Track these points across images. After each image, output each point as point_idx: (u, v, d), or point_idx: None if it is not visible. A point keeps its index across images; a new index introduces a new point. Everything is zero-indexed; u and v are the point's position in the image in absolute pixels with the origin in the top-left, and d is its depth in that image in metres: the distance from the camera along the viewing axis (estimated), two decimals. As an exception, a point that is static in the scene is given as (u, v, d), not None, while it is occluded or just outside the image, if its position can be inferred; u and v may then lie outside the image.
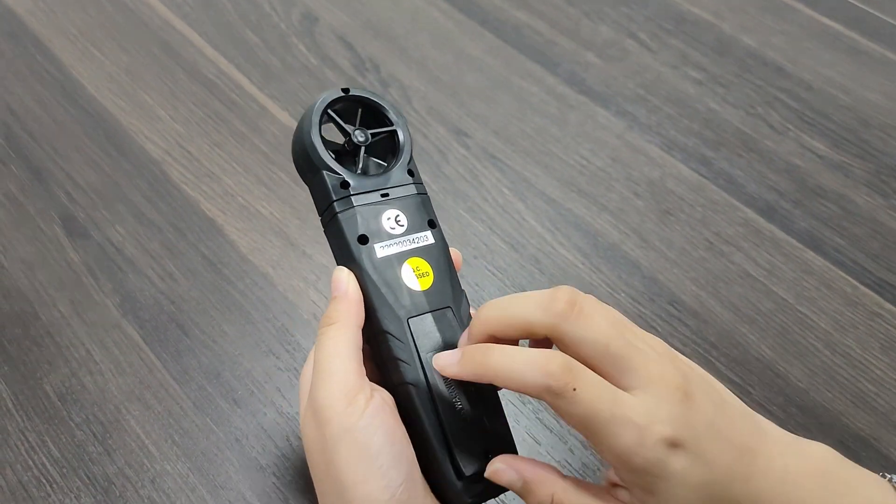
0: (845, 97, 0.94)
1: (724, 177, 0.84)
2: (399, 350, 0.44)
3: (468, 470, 0.42)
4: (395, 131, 0.51)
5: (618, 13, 1.02)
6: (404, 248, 0.47)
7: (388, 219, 0.48)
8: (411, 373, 0.44)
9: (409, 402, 0.44)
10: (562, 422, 0.62)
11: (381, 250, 0.46)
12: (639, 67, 0.95)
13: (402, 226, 0.48)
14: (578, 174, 0.83)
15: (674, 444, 0.34)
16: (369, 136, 0.50)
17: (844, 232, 0.79)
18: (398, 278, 0.46)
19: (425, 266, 0.47)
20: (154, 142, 0.81)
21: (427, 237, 0.48)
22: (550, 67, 0.94)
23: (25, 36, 0.90)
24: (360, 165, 0.49)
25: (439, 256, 0.48)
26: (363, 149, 0.49)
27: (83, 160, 0.78)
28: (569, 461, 0.61)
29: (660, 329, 0.71)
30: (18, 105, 0.83)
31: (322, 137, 0.48)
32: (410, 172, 0.50)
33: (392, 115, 0.51)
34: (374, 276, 0.45)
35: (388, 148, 0.52)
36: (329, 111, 0.50)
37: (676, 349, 0.71)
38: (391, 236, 0.47)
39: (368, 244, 0.46)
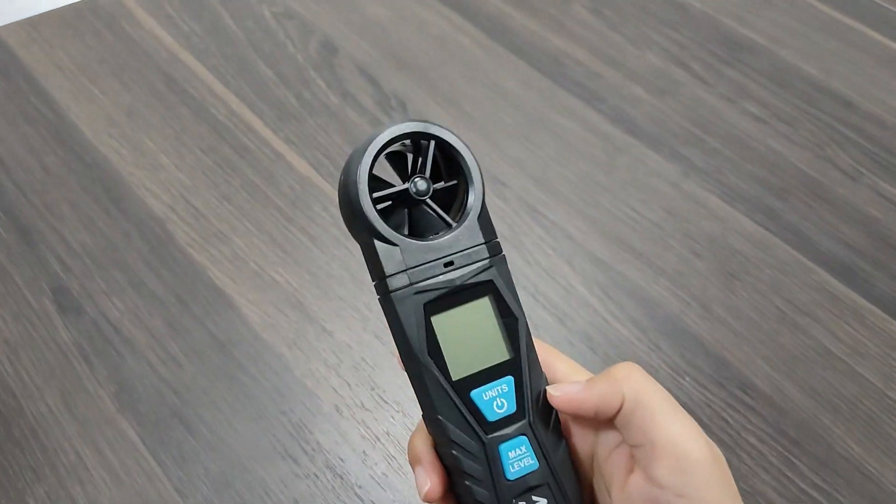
0: (922, 134, 0.85)
1: (792, 231, 0.75)
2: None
3: None
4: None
5: (665, 39, 0.93)
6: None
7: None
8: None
9: None
10: None
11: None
12: (691, 102, 0.86)
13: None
14: (630, 230, 0.74)
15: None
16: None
17: (933, 298, 0.70)
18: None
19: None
20: (156, 195, 0.72)
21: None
22: (593, 103, 0.85)
23: (17, 71, 0.82)
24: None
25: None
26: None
27: (77, 218, 0.70)
28: None
29: (731, 421, 0.62)
30: (6, 152, 0.75)
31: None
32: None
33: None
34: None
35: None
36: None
37: (752, 446, 0.62)
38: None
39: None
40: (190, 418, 0.59)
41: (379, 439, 0.60)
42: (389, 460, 0.59)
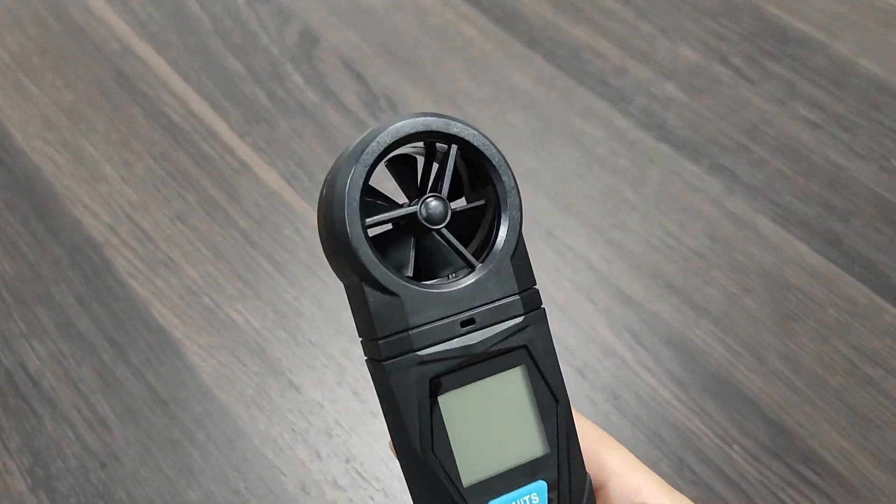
0: None
1: (860, 262, 0.62)
2: None
3: None
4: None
5: (703, 29, 0.80)
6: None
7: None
8: None
9: None
10: None
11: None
12: (734, 103, 0.73)
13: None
14: (665, 259, 0.61)
15: None
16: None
17: None
18: None
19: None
20: (95, 214, 0.60)
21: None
22: (620, 104, 0.72)
23: (-57, 63, 0.70)
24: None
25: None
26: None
27: (-2, 242, 0.58)
28: None
29: (791, 503, 0.50)
30: (-78, 161, 0.63)
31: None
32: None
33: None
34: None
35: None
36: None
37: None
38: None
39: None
40: (119, 500, 0.48)
41: (354, 528, 0.48)
42: (365, 558, 0.47)
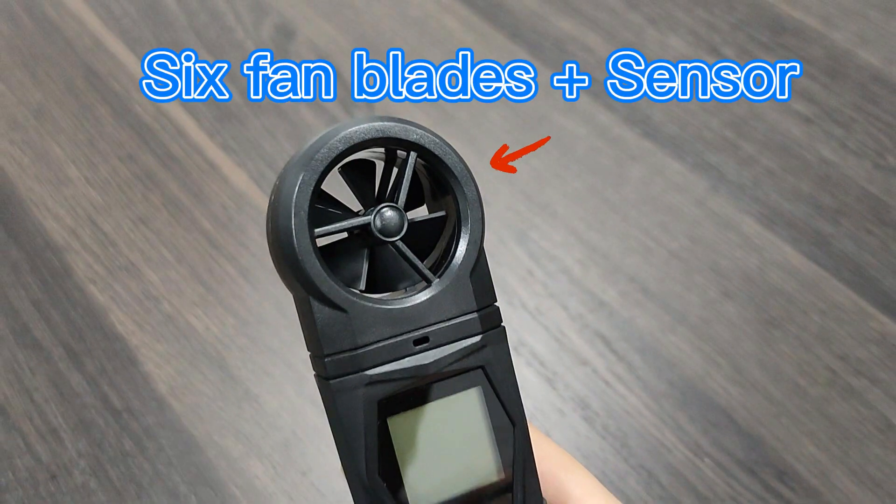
0: None
1: (848, 265, 0.60)
2: None
3: None
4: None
5: (694, 19, 0.77)
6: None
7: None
8: None
9: None
10: None
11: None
12: (723, 97, 0.71)
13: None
14: (643, 262, 0.59)
15: None
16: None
17: None
18: None
19: None
20: (58, 217, 0.59)
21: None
22: (604, 98, 0.70)
23: (-86, 61, 0.69)
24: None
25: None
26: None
27: (-42, 246, 0.57)
28: None
29: (765, 524, 0.48)
30: None
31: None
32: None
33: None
34: None
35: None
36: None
37: None
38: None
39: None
40: (65, 514, 0.47)
41: (306, 545, 0.46)
42: (315, 577, 0.45)
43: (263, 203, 0.60)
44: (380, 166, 0.28)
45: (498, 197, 0.63)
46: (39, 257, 0.57)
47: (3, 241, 0.57)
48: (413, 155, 0.26)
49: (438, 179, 0.27)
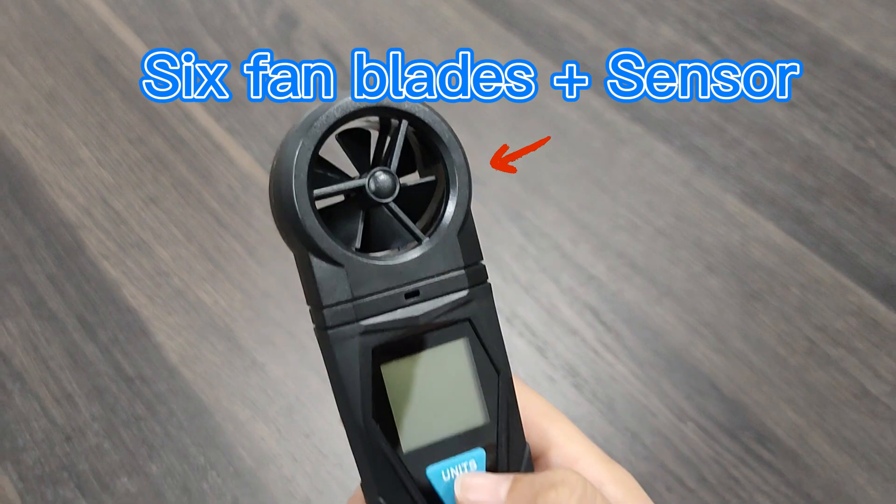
0: None
1: (827, 242, 0.62)
2: None
3: None
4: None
5: (683, 8, 0.80)
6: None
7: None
8: None
9: None
10: None
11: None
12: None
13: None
14: (630, 239, 0.62)
15: None
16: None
17: None
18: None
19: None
20: (71, 196, 0.62)
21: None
22: (595, 84, 0.72)
23: (-70, 48, 0.72)
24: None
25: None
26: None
27: (-24, 223, 0.60)
28: None
29: (743, 480, 0.51)
30: None
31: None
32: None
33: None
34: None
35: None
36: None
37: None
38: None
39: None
40: (82, 471, 0.49)
41: (310, 501, 0.49)
42: (319, 530, 0.48)
43: (267, 183, 0.63)
44: (375, 137, 0.30)
45: (494, 178, 0.65)
46: (54, 234, 0.59)
47: (19, 219, 0.60)
48: (405, 123, 0.29)
49: (429, 147, 0.30)
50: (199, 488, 0.49)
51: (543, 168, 0.66)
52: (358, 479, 0.29)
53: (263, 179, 0.63)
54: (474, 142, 0.68)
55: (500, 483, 0.28)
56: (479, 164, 0.66)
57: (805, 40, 0.77)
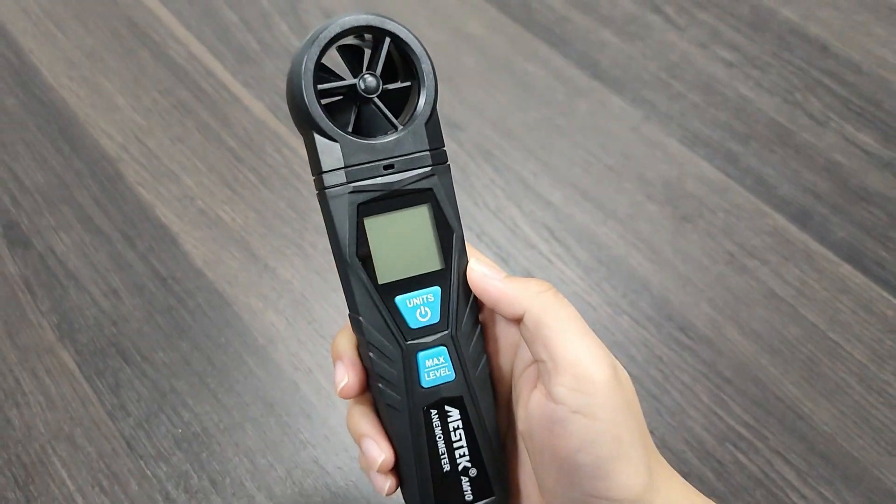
0: (899, 80, 0.82)
1: (752, 176, 0.73)
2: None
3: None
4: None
5: (641, -17, 0.91)
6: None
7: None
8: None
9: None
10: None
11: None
12: (662, 47, 0.84)
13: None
14: (584, 173, 0.73)
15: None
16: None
17: (890, 243, 0.68)
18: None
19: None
20: (110, 136, 0.73)
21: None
22: (560, 47, 0.83)
23: (-15, 15, 0.83)
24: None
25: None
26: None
27: (32, 157, 0.71)
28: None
29: (665, 360, 0.62)
30: (-31, 94, 0.76)
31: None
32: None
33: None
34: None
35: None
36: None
37: (684, 383, 0.62)
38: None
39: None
40: (126, 349, 0.61)
41: (311, 371, 0.60)
42: (318, 391, 0.59)
43: (278, 127, 0.74)
44: (367, 55, 0.41)
45: (470, 124, 0.76)
46: (97, 166, 0.71)
47: (68, 154, 0.71)
48: (388, 39, 0.40)
49: (406, 61, 0.41)
50: (221, 360, 0.60)
51: (513, 116, 0.77)
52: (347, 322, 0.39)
53: (274, 124, 0.74)
54: (453, 94, 0.79)
55: (502, 275, 0.39)
56: (459, 114, 0.77)
57: (747, 11, 0.88)
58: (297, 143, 0.73)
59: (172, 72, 0.78)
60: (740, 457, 0.57)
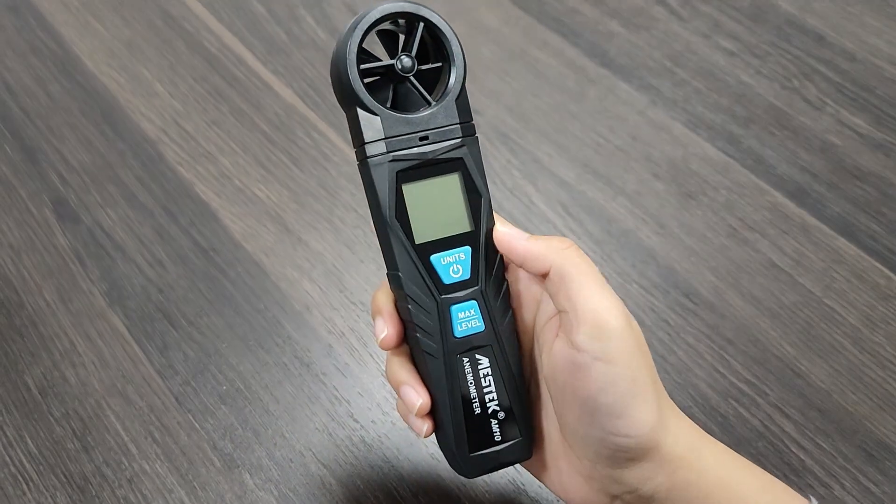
0: (892, 69, 0.87)
1: (752, 157, 0.78)
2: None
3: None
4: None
5: (647, -22, 0.96)
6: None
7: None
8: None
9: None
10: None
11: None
12: (666, 37, 0.89)
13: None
14: (594, 154, 0.78)
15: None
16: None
17: (882, 217, 0.73)
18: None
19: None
20: (150, 119, 0.78)
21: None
22: (571, 38, 0.88)
23: (27, 9, 0.88)
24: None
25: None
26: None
27: (77, 139, 0.76)
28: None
29: (672, 323, 0.66)
30: (16, 81, 0.81)
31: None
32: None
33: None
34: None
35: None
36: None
37: (689, 344, 0.67)
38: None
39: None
40: (172, 313, 0.65)
41: (344, 335, 0.65)
42: (352, 352, 0.64)
43: (307, 112, 0.79)
44: (401, 39, 0.46)
45: (488, 110, 0.81)
46: (139, 147, 0.76)
47: (112, 137, 0.76)
48: (421, 24, 0.45)
49: (439, 45, 0.46)
50: (261, 324, 0.65)
51: (527, 102, 0.82)
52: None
53: (304, 109, 0.79)
54: (471, 83, 0.83)
55: (527, 235, 0.44)
56: (477, 100, 0.82)
57: (746, 3, 0.93)
58: (325, 126, 0.77)
59: (207, 60, 0.83)
60: (742, 411, 0.62)
